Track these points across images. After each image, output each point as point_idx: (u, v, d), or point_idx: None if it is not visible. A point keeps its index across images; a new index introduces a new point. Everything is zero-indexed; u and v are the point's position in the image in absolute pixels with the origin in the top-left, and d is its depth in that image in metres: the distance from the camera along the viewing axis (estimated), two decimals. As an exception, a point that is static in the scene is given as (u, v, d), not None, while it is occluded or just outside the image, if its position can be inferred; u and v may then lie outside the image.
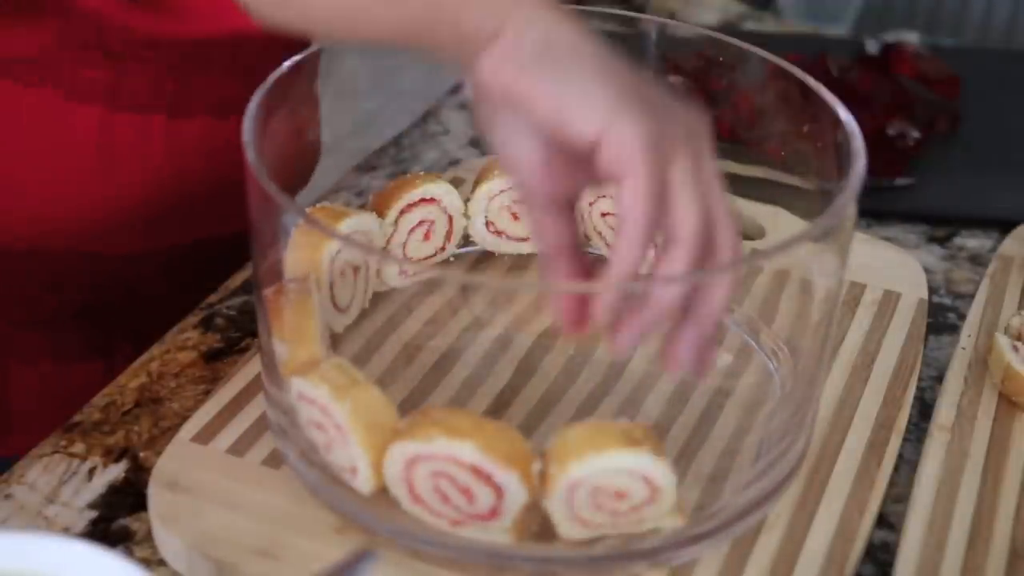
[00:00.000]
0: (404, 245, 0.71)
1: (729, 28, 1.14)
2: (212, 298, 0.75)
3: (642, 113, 0.52)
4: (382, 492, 0.56)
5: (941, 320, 0.76)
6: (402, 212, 0.70)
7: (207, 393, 0.67)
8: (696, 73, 0.95)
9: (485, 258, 0.74)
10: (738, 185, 0.79)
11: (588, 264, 0.57)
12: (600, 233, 0.73)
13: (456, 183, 0.73)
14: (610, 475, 0.53)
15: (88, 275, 0.79)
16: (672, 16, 1.17)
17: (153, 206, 0.76)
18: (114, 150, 0.75)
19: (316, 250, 0.63)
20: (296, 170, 0.78)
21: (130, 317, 0.77)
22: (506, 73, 0.53)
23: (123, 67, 0.73)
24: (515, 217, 0.73)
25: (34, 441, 0.64)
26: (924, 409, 0.68)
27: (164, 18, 0.70)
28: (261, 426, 0.63)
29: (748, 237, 0.77)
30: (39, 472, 0.62)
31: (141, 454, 0.64)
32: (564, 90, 0.52)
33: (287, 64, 0.63)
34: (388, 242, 0.70)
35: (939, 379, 0.69)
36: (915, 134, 0.92)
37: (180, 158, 0.76)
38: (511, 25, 0.53)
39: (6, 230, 0.75)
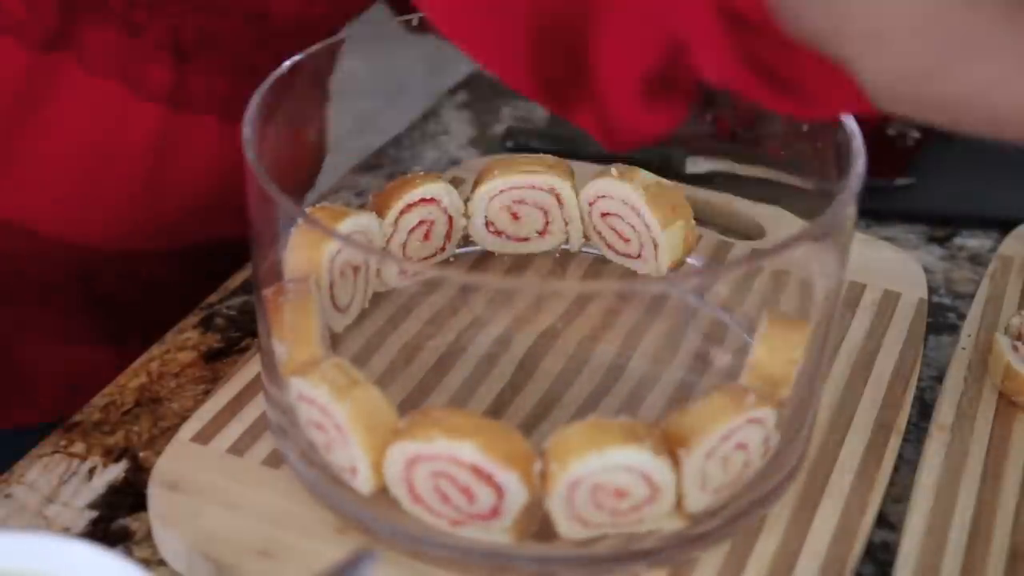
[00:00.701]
0: (404, 245, 0.71)
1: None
2: (212, 298, 0.75)
3: None
4: (382, 492, 0.56)
5: (941, 320, 0.76)
6: (402, 212, 0.70)
7: (207, 393, 0.67)
8: (696, 73, 0.95)
9: (485, 258, 0.74)
10: (738, 185, 0.79)
11: None
12: (600, 233, 0.73)
13: (456, 183, 0.73)
14: (611, 472, 0.53)
15: (118, 268, 0.80)
16: (672, 16, 1.16)
17: (196, 207, 0.77)
18: (170, 150, 0.75)
19: (316, 250, 0.63)
20: (303, 169, 0.79)
21: (147, 309, 0.78)
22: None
23: (187, 68, 0.74)
24: (515, 217, 0.73)
25: (36, 416, 0.64)
26: (924, 409, 0.68)
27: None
28: (261, 426, 0.63)
29: (748, 237, 0.77)
30: (39, 472, 0.62)
31: (141, 454, 0.64)
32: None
33: (287, 64, 0.63)
34: (388, 242, 0.70)
35: (939, 379, 0.69)
36: (915, 134, 0.92)
37: (229, 159, 0.76)
38: None
39: (47, 218, 0.76)
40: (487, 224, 0.73)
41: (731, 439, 0.55)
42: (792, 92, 0.51)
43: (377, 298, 0.70)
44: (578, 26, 0.52)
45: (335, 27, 0.81)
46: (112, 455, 0.64)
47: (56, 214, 0.78)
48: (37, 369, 0.83)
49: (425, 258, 0.72)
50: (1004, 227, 0.82)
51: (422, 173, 0.73)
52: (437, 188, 0.71)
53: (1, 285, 0.81)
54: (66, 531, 0.60)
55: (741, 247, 0.75)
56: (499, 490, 0.53)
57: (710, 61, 0.50)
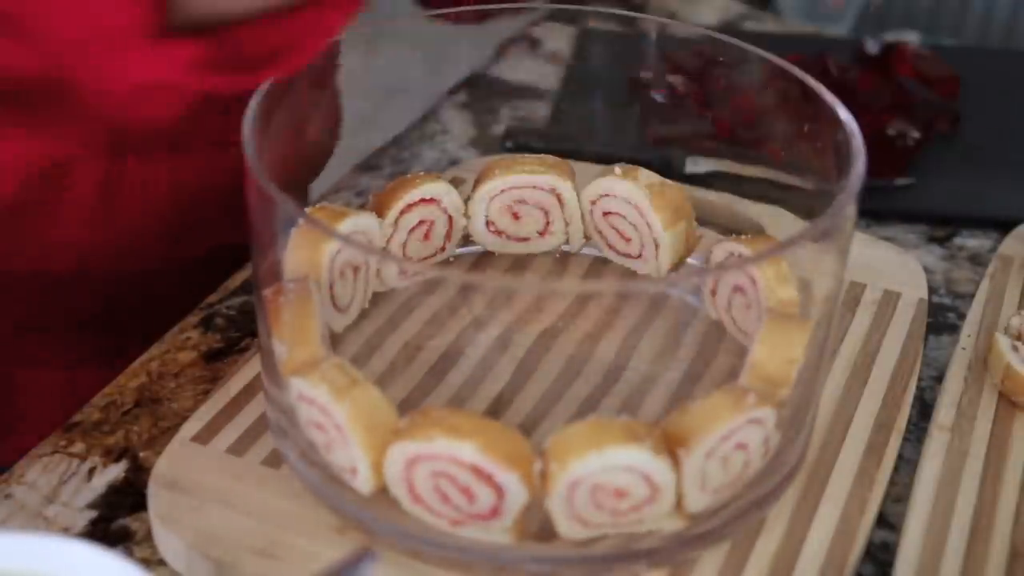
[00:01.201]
0: (404, 245, 0.71)
1: (729, 28, 1.14)
2: (212, 298, 0.75)
3: None
4: (382, 492, 0.56)
5: (941, 320, 0.76)
6: (402, 212, 0.70)
7: (207, 393, 0.67)
8: (696, 73, 0.95)
9: (485, 258, 0.74)
10: (738, 185, 0.79)
11: None
12: (601, 232, 0.73)
13: (456, 183, 0.73)
14: (611, 472, 0.53)
15: (102, 289, 0.79)
16: (672, 16, 1.17)
17: (176, 223, 0.76)
18: (122, 185, 0.74)
19: (316, 250, 0.63)
20: (304, 169, 0.78)
21: (141, 322, 0.77)
22: None
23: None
24: (515, 217, 0.73)
25: (35, 442, 0.64)
26: (924, 409, 0.68)
27: None
28: (261, 426, 0.63)
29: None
30: (39, 472, 0.62)
31: (141, 454, 0.64)
32: None
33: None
34: (388, 242, 0.70)
35: (939, 379, 0.69)
36: (915, 134, 0.92)
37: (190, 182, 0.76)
38: None
39: (16, 253, 0.75)
40: (487, 224, 0.73)
41: (731, 439, 0.55)
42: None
43: (377, 298, 0.70)
44: None
45: None
46: (112, 455, 0.64)
47: (20, 248, 0.76)
48: (37, 397, 0.83)
49: (425, 258, 0.72)
50: (1004, 227, 0.82)
51: (422, 173, 0.73)
52: (437, 188, 0.71)
53: (2, 318, 0.80)
54: (66, 531, 0.59)
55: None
56: (499, 490, 0.53)
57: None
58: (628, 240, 0.72)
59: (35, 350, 0.82)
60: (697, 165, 0.86)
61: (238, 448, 0.62)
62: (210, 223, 0.77)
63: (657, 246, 0.70)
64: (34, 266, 0.76)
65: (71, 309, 0.81)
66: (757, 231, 0.76)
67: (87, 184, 0.72)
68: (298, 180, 0.68)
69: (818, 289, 0.60)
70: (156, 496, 0.59)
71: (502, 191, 0.72)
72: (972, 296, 0.75)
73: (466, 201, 0.73)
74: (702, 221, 0.75)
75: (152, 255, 0.78)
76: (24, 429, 0.81)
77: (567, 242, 0.74)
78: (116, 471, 0.63)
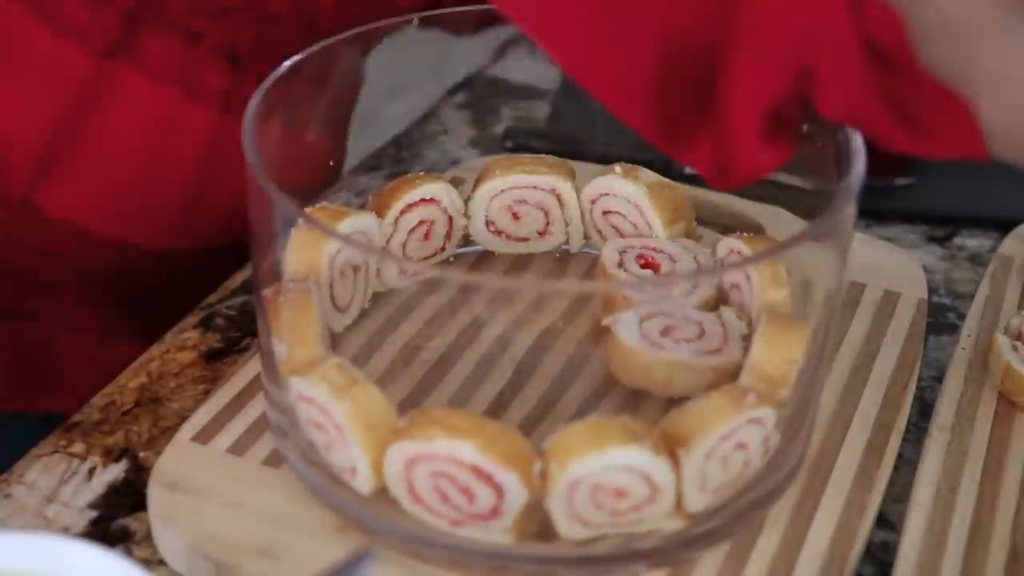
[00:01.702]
0: (404, 245, 0.71)
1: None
2: (212, 298, 0.75)
3: None
4: (382, 492, 0.56)
5: (941, 320, 0.76)
6: (402, 212, 0.70)
7: (207, 393, 0.67)
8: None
9: (485, 258, 0.74)
10: (738, 185, 0.79)
11: None
12: (600, 231, 0.73)
13: (456, 183, 0.73)
14: (610, 472, 0.53)
15: (160, 266, 0.81)
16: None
17: (242, 207, 0.78)
18: (219, 153, 0.76)
19: (316, 250, 0.63)
20: (308, 170, 0.79)
21: (184, 304, 0.78)
22: None
23: (240, 75, 0.76)
24: (515, 217, 0.73)
25: (64, 406, 0.65)
26: (924, 409, 0.68)
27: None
28: (261, 426, 0.63)
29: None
30: (39, 472, 0.62)
31: (141, 454, 0.64)
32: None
33: (287, 63, 0.64)
34: (388, 242, 0.70)
35: (939, 379, 0.69)
36: (915, 134, 0.92)
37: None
38: None
39: (102, 217, 0.77)
40: (487, 224, 0.73)
41: (731, 439, 0.55)
42: (914, 128, 0.51)
43: (377, 298, 0.70)
44: (709, 58, 0.51)
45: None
46: (112, 455, 0.64)
47: (111, 214, 0.80)
48: (72, 362, 0.85)
49: (425, 258, 0.72)
50: (1004, 227, 0.82)
51: (422, 173, 0.73)
52: (437, 188, 0.71)
53: (46, 280, 0.83)
54: (66, 531, 0.59)
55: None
56: (499, 490, 0.53)
57: (842, 93, 0.50)
58: (628, 239, 0.72)
59: (81, 319, 0.83)
60: (697, 165, 0.86)
61: (238, 448, 0.62)
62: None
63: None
64: (128, 237, 0.77)
65: (126, 286, 0.82)
66: (757, 231, 0.76)
67: (196, 132, 0.74)
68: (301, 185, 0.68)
69: (818, 289, 0.60)
70: (156, 496, 0.59)
71: (502, 191, 0.72)
72: (972, 296, 0.75)
73: (466, 201, 0.73)
74: (702, 221, 0.75)
75: (226, 234, 0.80)
76: (60, 391, 0.82)
77: (567, 242, 0.74)
78: (116, 471, 0.63)
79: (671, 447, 0.54)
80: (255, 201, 0.57)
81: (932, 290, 0.78)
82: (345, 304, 0.67)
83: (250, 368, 0.66)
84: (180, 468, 0.60)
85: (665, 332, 0.64)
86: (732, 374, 0.61)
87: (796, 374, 0.59)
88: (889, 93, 0.50)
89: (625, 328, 0.64)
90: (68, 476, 0.62)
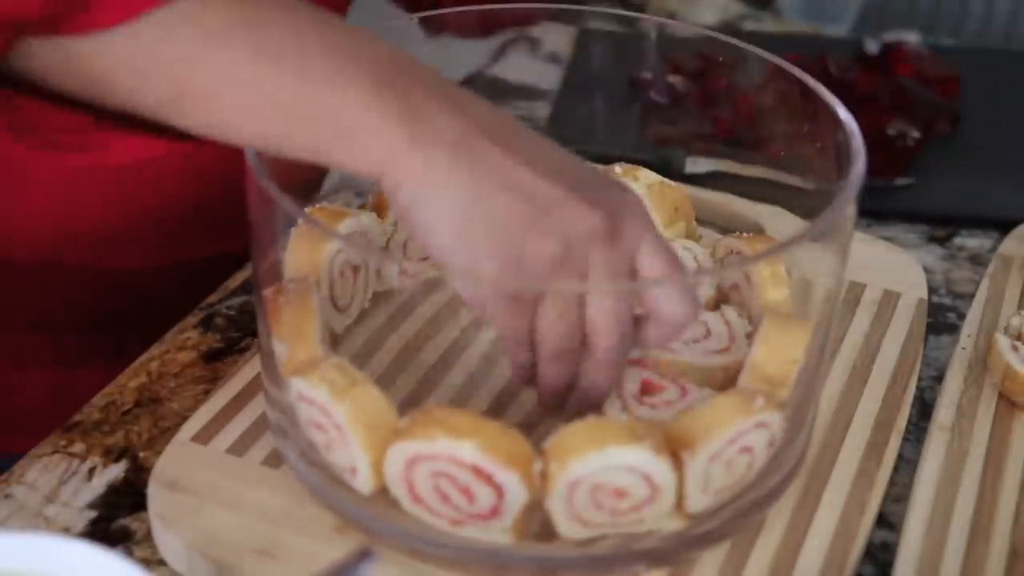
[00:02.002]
0: (404, 245, 0.71)
1: (729, 28, 1.14)
2: (212, 298, 0.75)
3: (494, 262, 0.54)
4: (382, 492, 0.56)
5: (941, 320, 0.76)
6: (402, 212, 0.70)
7: (207, 393, 0.67)
8: (696, 73, 0.96)
9: (485, 258, 0.74)
10: (738, 185, 0.79)
11: None
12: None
13: (456, 183, 0.73)
14: (611, 472, 0.53)
15: (102, 287, 0.79)
16: (672, 16, 1.17)
17: (177, 222, 0.76)
18: (137, 171, 0.74)
19: (316, 250, 0.63)
20: (306, 169, 0.78)
21: (140, 323, 0.77)
22: (402, 217, 0.56)
23: None
24: (515, 217, 0.73)
25: (35, 443, 0.64)
26: (924, 409, 0.68)
27: None
28: (261, 426, 0.63)
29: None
30: (39, 472, 0.62)
31: (141, 454, 0.64)
32: (431, 249, 0.56)
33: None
34: (388, 242, 0.70)
35: (939, 379, 0.69)
36: (915, 134, 0.92)
37: (202, 177, 0.75)
38: (392, 175, 0.55)
39: (20, 245, 0.75)
40: (487, 224, 0.73)
41: (737, 442, 0.55)
42: None
43: (377, 298, 0.70)
44: None
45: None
46: (112, 455, 0.64)
47: (24, 239, 0.75)
48: (32, 395, 0.83)
49: (425, 258, 0.72)
50: (1004, 227, 0.82)
51: (422, 173, 0.72)
52: (437, 188, 0.71)
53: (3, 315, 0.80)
54: (66, 531, 0.59)
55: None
56: (499, 490, 0.53)
57: None
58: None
59: (35, 349, 0.82)
60: (697, 165, 0.86)
61: (238, 448, 0.62)
62: (222, 222, 0.77)
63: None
64: (46, 255, 0.75)
65: (72, 310, 0.80)
66: (757, 231, 0.76)
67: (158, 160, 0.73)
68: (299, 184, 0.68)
69: (818, 289, 0.60)
70: (156, 496, 0.59)
71: (502, 191, 0.72)
72: (972, 296, 0.75)
73: (466, 201, 0.72)
74: (702, 221, 0.75)
75: (163, 250, 0.78)
76: (22, 428, 0.81)
77: (567, 242, 0.74)
78: (116, 471, 0.63)
79: (676, 449, 0.54)
80: (255, 201, 0.57)
81: (932, 290, 0.78)
82: (345, 304, 0.67)
83: (250, 368, 0.66)
84: (180, 468, 0.60)
85: None
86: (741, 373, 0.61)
87: (796, 374, 0.59)
88: None
89: None
90: (68, 476, 0.62)
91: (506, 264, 0.54)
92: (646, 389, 0.61)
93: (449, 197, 0.55)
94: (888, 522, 0.62)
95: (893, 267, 0.76)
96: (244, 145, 0.57)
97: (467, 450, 0.53)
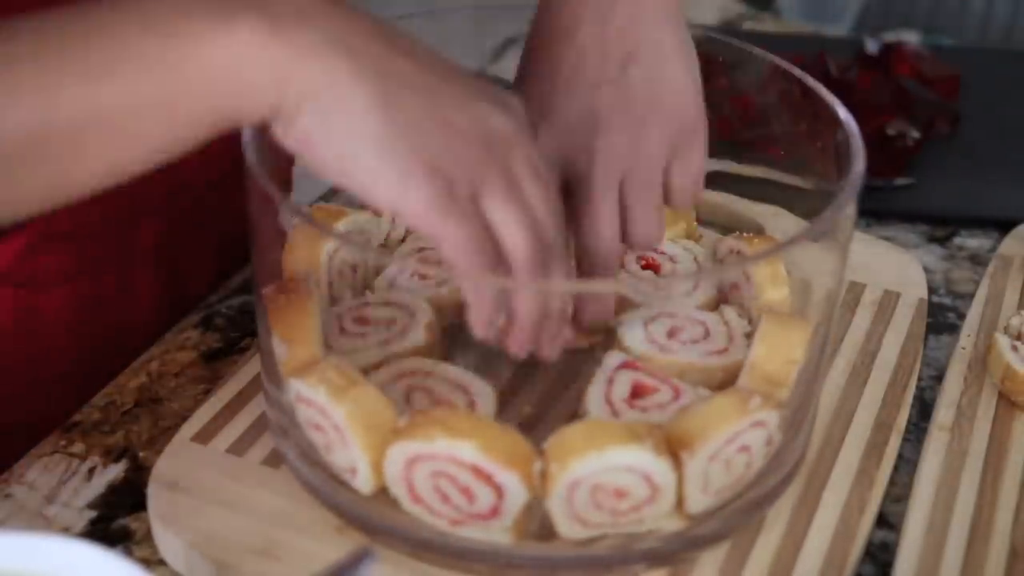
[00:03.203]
0: (402, 243, 0.71)
1: (729, 28, 1.14)
2: (212, 298, 0.75)
3: (427, 174, 0.50)
4: (382, 492, 0.56)
5: (941, 320, 0.76)
6: (402, 212, 0.70)
7: (207, 393, 0.67)
8: (696, 73, 0.95)
9: (485, 258, 0.74)
10: (738, 185, 0.79)
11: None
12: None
13: (456, 183, 0.73)
14: (611, 472, 0.53)
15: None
16: (672, 16, 1.16)
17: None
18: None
19: (315, 250, 0.63)
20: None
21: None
22: (307, 149, 0.51)
23: None
24: (515, 217, 0.72)
25: None
26: (924, 409, 0.68)
27: None
28: (261, 426, 0.63)
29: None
30: (39, 472, 0.62)
31: (141, 454, 0.64)
32: (353, 172, 0.51)
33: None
34: (386, 241, 0.70)
35: (939, 379, 0.69)
36: (915, 134, 0.92)
37: None
38: (292, 95, 0.49)
39: None
40: (487, 224, 0.73)
41: (735, 442, 0.55)
42: None
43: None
44: None
45: None
46: (112, 455, 0.64)
47: None
48: None
49: (422, 249, 0.72)
50: (1004, 227, 0.82)
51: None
52: (437, 188, 0.71)
53: None
54: (66, 531, 0.59)
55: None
56: (499, 490, 0.53)
57: None
58: (628, 240, 0.71)
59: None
60: (697, 165, 0.86)
61: (238, 448, 0.62)
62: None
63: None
64: None
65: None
66: (757, 231, 0.76)
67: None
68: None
69: (818, 289, 0.60)
70: (156, 496, 0.59)
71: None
72: (972, 296, 0.75)
73: (466, 201, 0.72)
74: (702, 221, 0.75)
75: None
76: None
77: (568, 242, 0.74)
78: (116, 471, 0.63)
79: (674, 449, 0.54)
80: (255, 201, 0.57)
81: (932, 290, 0.78)
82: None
83: (250, 368, 0.66)
84: (180, 468, 0.60)
85: (671, 334, 0.64)
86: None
87: (796, 374, 0.59)
88: None
89: (630, 331, 0.64)
90: (68, 476, 0.62)
91: (434, 177, 0.50)
92: (637, 392, 0.61)
93: (361, 106, 0.49)
94: (888, 522, 0.62)
95: (893, 267, 0.76)
96: (141, 169, 0.51)
97: (467, 450, 0.53)
